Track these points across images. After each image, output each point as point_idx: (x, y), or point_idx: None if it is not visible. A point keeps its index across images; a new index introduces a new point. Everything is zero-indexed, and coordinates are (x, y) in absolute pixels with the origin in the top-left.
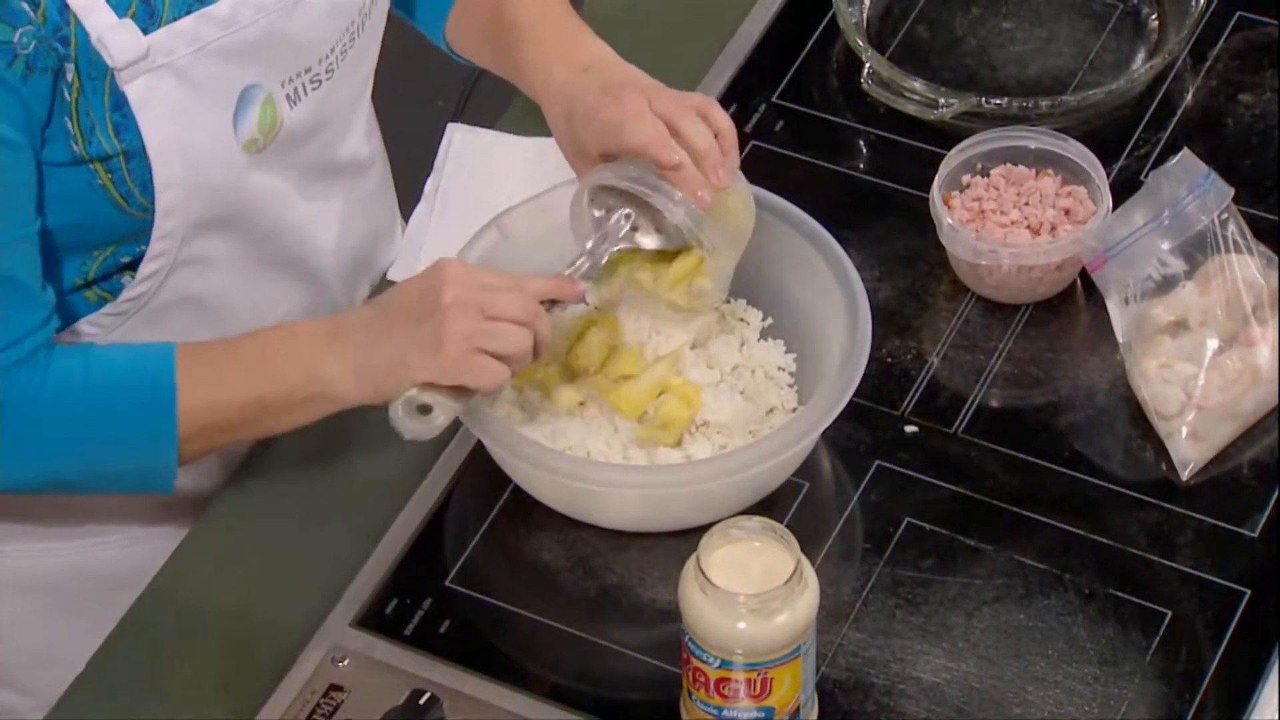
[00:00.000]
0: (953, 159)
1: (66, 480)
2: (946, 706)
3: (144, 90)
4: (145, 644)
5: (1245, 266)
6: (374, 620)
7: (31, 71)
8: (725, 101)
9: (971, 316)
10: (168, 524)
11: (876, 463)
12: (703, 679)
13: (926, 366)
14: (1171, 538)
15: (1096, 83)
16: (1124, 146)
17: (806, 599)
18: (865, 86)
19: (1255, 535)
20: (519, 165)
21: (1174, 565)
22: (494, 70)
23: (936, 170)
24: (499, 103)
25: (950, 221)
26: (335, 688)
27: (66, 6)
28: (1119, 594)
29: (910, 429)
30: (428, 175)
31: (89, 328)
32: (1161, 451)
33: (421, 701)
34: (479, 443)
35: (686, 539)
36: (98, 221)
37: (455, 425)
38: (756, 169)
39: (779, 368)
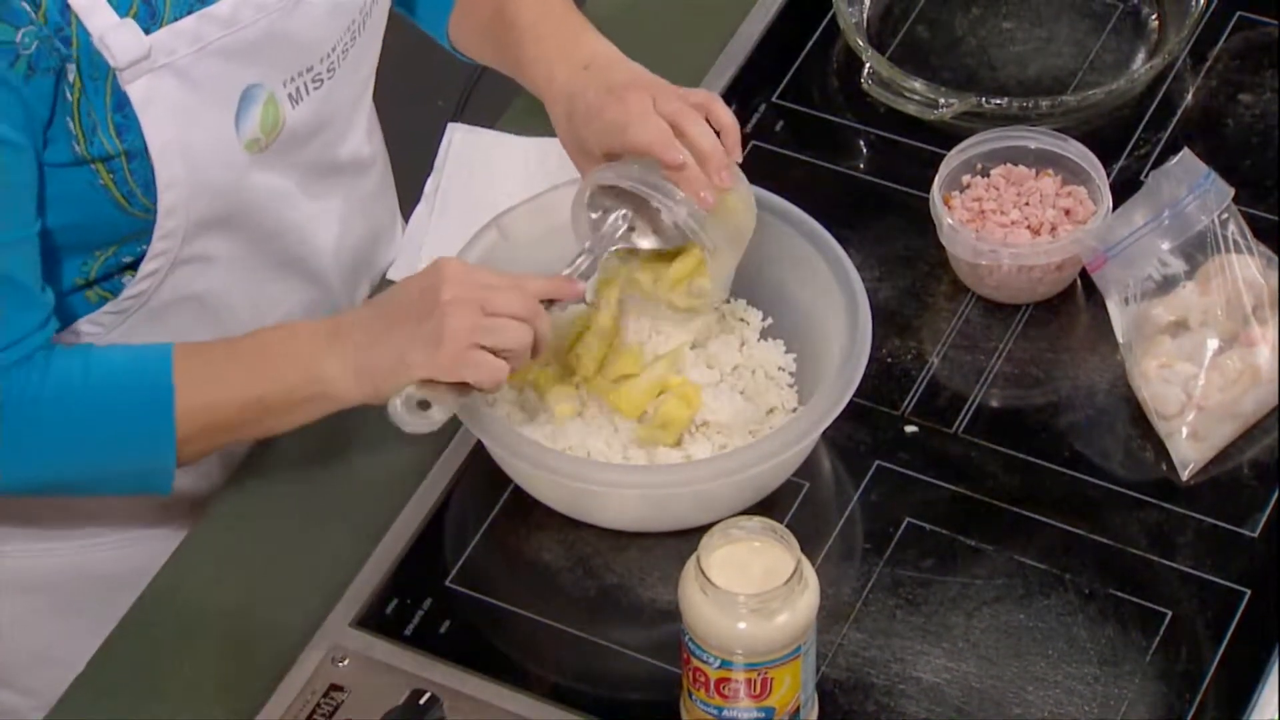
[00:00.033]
0: (953, 159)
1: (66, 481)
2: (946, 706)
3: (146, 90)
4: (145, 644)
5: (1245, 266)
6: (374, 620)
7: (33, 72)
8: (726, 101)
9: (971, 316)
10: (167, 524)
11: (876, 463)
12: (703, 679)
13: (926, 366)
14: (1171, 538)
15: (1096, 83)
16: (1124, 146)
17: (807, 599)
18: (865, 86)
19: (1255, 535)
20: (519, 165)
21: (1174, 565)
22: (497, 68)
23: (936, 170)
24: (499, 102)
25: (950, 222)
26: (335, 688)
27: (68, 7)
28: (1119, 594)
29: (910, 429)
30: (428, 175)
31: (89, 327)
32: (1161, 451)
33: (421, 701)
34: (479, 443)
35: (686, 539)
36: (99, 222)
37: (455, 425)
38: (756, 169)
39: (779, 368)
